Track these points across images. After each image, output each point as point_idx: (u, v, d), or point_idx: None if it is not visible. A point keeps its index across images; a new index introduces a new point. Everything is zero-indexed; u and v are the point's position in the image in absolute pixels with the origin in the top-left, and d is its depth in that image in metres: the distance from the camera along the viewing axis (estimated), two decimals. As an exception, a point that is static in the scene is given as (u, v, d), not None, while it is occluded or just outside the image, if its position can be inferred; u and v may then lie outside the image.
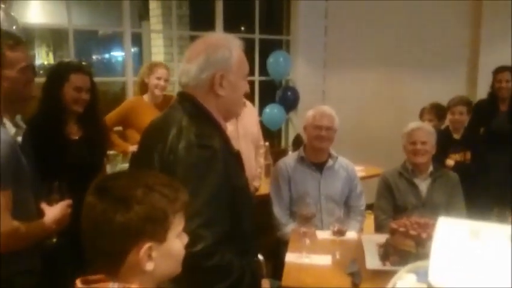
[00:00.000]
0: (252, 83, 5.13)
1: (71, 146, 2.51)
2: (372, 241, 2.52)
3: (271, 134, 5.10)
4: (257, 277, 1.57)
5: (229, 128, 2.97)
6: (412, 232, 2.28)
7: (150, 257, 1.02)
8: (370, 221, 3.23)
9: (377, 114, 5.25)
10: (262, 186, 3.50)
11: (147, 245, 1.00)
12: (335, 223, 2.51)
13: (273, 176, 3.14)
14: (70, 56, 4.05)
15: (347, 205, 3.10)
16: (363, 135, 5.29)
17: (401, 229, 2.32)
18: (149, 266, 1.02)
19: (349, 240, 2.60)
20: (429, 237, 2.27)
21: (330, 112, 3.03)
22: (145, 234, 1.00)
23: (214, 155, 1.43)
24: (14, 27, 3.43)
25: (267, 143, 4.00)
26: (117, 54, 8.61)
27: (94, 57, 9.34)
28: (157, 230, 1.02)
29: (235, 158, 1.58)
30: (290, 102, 5.12)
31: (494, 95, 4.04)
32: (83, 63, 4.36)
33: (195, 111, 1.53)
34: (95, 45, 8.95)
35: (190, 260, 1.35)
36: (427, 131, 3.07)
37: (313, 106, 5.02)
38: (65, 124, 2.55)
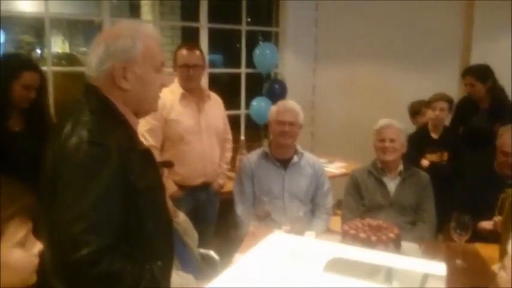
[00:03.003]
0: (238, 76, 5.05)
1: (12, 138, 2.45)
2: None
3: (258, 128, 5.01)
4: (159, 283, 1.46)
5: (191, 121, 2.96)
6: (362, 235, 2.18)
7: None
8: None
9: (367, 109, 5.11)
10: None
11: None
12: (287, 222, 2.42)
13: (237, 172, 3.06)
14: (48, 44, 4.06)
15: (313, 203, 3.01)
16: (352, 130, 5.17)
17: (352, 231, 2.22)
18: None
19: (306, 240, 2.50)
20: (379, 241, 2.18)
21: (293, 107, 2.91)
22: None
23: (106, 153, 1.32)
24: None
25: (242, 137, 3.91)
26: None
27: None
28: None
29: (143, 156, 1.47)
30: (277, 95, 4.99)
31: None
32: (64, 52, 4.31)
33: (97, 105, 1.43)
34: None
35: (73, 267, 1.26)
36: (396, 129, 2.96)
37: (302, 99, 4.97)
38: (7, 117, 2.49)
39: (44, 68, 3.77)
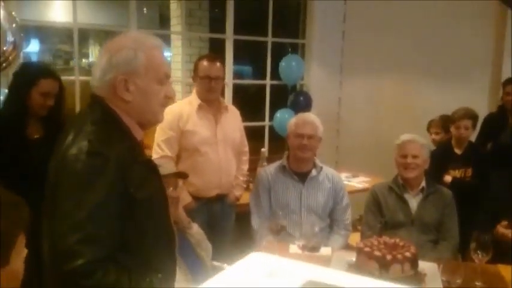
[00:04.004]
0: (263, 87, 5.04)
1: (30, 145, 2.48)
2: (343, 260, 2.36)
3: (281, 139, 4.97)
4: None
5: (207, 133, 2.95)
6: (377, 253, 2.12)
7: None
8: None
9: (394, 123, 5.01)
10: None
11: None
12: (302, 238, 2.37)
13: (254, 184, 3.03)
14: (76, 54, 4.16)
15: (331, 218, 2.94)
16: (378, 144, 5.07)
17: (366, 249, 2.16)
18: None
19: (322, 257, 2.44)
20: (395, 260, 2.11)
21: (312, 119, 2.87)
22: None
23: (104, 163, 1.31)
24: (13, 25, 3.49)
25: (263, 149, 3.88)
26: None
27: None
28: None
29: (145, 167, 1.45)
30: (302, 107, 4.95)
31: (504, 108, 3.76)
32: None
33: (100, 115, 1.43)
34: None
35: (67, 277, 1.25)
36: (419, 144, 2.88)
37: (327, 112, 4.91)
38: (26, 125, 2.52)
39: (72, 78, 3.88)
